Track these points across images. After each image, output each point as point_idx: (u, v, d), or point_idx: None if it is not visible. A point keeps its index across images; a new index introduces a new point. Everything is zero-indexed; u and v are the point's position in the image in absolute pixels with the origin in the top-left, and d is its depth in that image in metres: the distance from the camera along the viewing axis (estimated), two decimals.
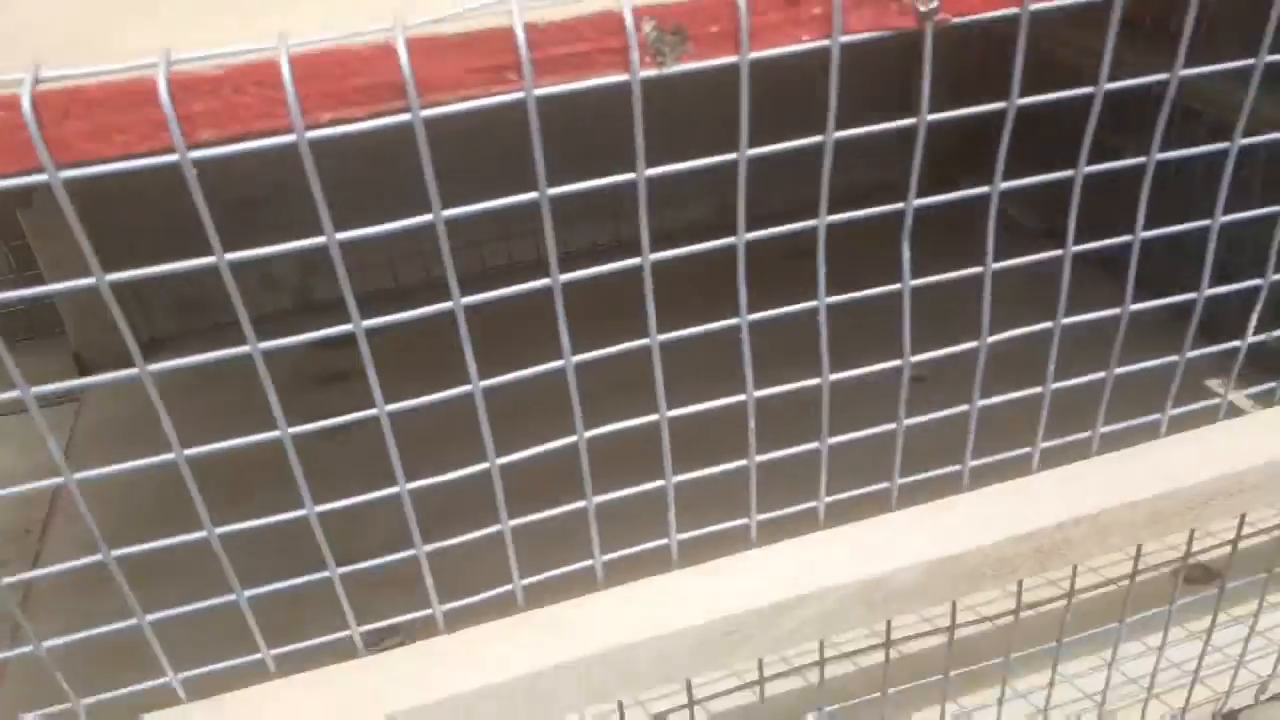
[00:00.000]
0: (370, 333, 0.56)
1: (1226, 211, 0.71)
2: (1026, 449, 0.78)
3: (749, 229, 0.61)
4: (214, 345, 0.54)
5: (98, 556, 0.60)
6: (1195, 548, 0.91)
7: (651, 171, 0.56)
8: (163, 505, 0.64)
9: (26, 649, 0.62)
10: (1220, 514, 0.79)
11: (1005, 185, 0.65)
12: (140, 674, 0.64)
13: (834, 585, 0.71)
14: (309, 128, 0.49)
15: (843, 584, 0.71)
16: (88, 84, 0.46)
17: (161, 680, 0.65)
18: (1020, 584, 0.83)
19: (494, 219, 0.64)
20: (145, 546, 0.60)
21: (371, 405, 0.60)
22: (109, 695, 0.64)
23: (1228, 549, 0.94)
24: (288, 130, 0.49)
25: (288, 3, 0.55)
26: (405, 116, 0.50)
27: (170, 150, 0.48)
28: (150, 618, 0.63)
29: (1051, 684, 0.97)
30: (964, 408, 0.74)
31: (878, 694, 0.89)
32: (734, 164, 0.58)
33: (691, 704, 0.84)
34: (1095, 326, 0.73)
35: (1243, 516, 0.86)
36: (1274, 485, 0.79)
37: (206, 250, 0.51)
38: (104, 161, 0.48)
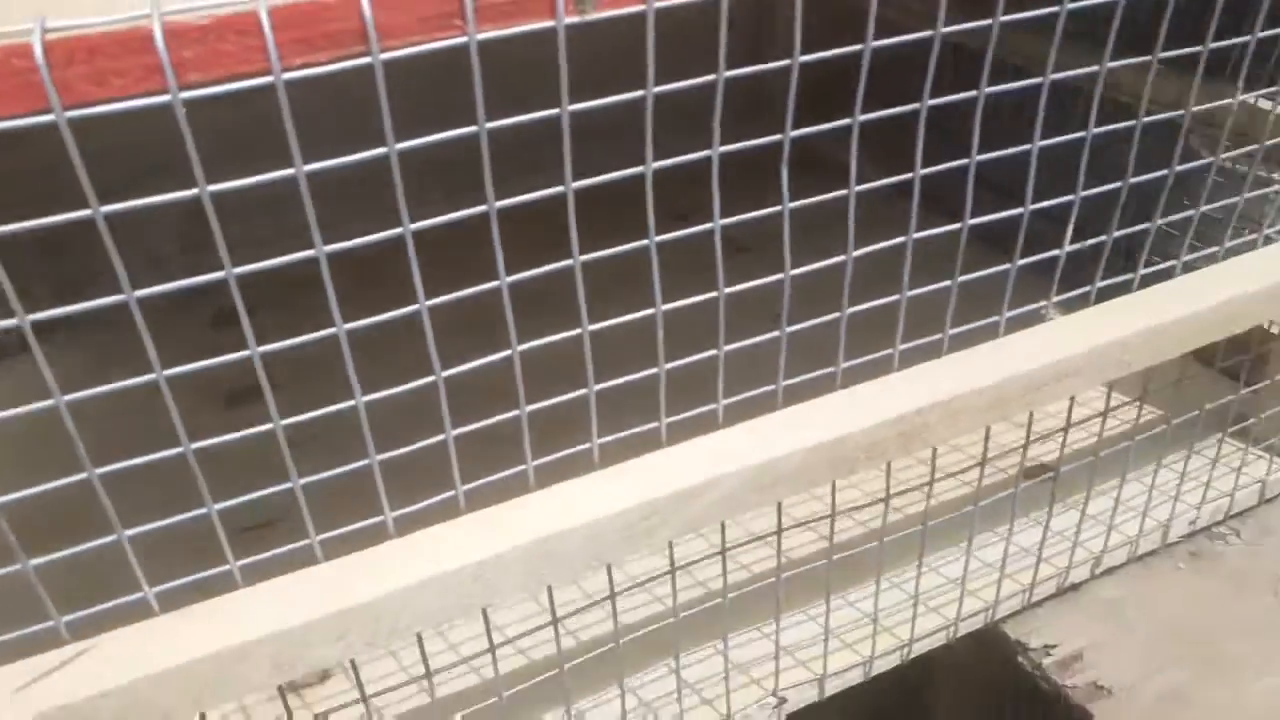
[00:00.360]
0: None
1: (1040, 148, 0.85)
2: (888, 350, 0.90)
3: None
4: (104, 332, 0.61)
5: None
6: (1032, 447, 1.05)
7: (574, 107, 0.66)
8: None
9: None
10: (1051, 397, 0.93)
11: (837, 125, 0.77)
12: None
13: (731, 472, 0.82)
14: (284, 70, 0.57)
15: (738, 470, 0.82)
16: (90, 33, 0.52)
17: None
18: (889, 469, 0.96)
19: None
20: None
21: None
22: None
23: (1061, 452, 1.09)
24: (266, 73, 0.56)
25: None
26: (366, 59, 0.58)
27: (163, 92, 0.55)
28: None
29: (919, 571, 1.11)
30: (835, 315, 0.86)
31: (771, 579, 1.00)
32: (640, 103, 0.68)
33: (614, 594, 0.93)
34: (943, 250, 0.86)
35: (1071, 401, 1.00)
36: (1093, 369, 0.93)
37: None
38: (103, 102, 0.54)
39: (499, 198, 0.67)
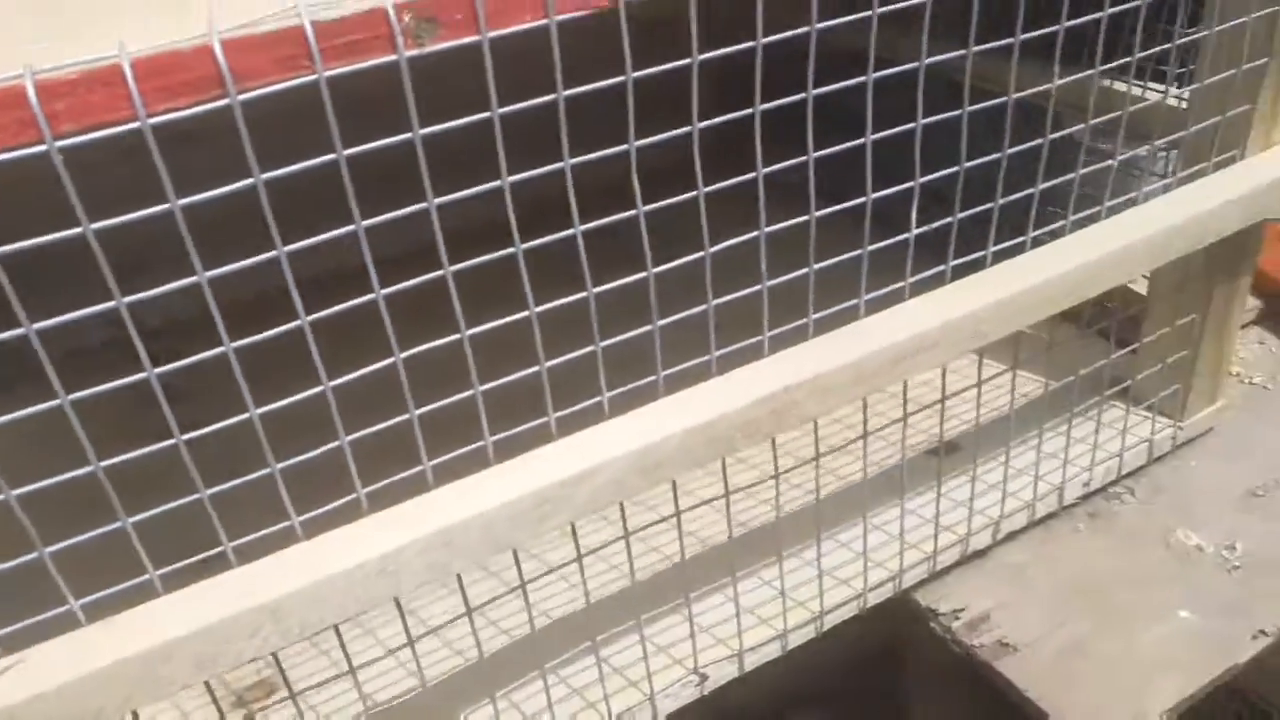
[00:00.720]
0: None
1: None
2: (758, 338, 0.98)
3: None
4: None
5: None
6: (925, 420, 1.13)
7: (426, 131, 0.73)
8: None
9: None
10: (914, 369, 1.01)
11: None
12: None
13: (616, 457, 0.89)
14: (149, 116, 0.64)
15: (622, 455, 0.89)
16: None
17: None
18: (774, 445, 1.03)
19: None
20: None
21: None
22: None
23: (965, 426, 1.17)
24: (133, 119, 0.63)
25: (111, 13, 0.69)
26: (225, 101, 0.66)
27: (39, 143, 0.62)
28: None
29: (818, 544, 1.18)
30: (702, 308, 0.93)
31: (677, 560, 1.07)
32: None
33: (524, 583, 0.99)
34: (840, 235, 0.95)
35: (944, 371, 1.08)
36: (949, 342, 1.01)
37: None
38: None
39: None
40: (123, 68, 0.62)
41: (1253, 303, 1.66)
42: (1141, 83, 1.29)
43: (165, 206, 0.67)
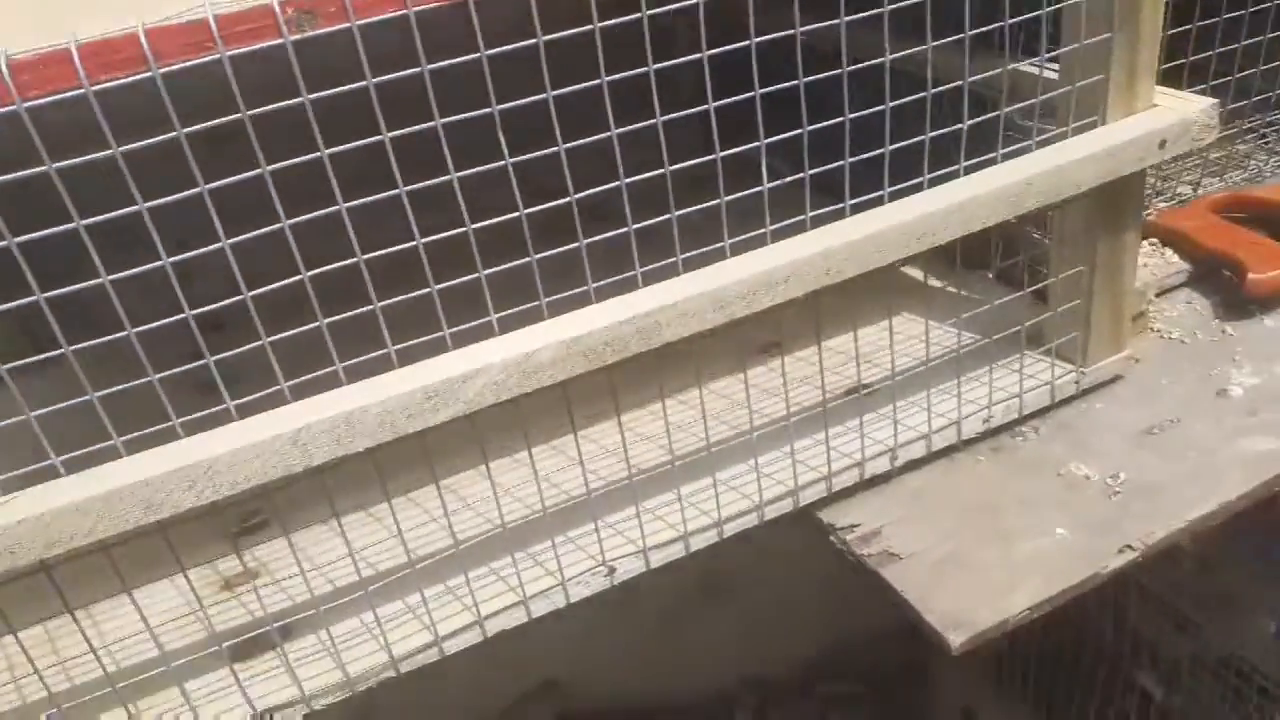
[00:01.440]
0: None
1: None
2: (631, 273, 1.17)
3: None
4: None
5: None
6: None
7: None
8: None
9: None
10: (767, 300, 1.18)
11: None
12: None
13: (497, 362, 1.10)
14: (93, 84, 0.87)
15: (501, 361, 1.10)
16: None
17: None
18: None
19: None
20: None
21: None
22: None
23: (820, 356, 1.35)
24: (79, 88, 0.87)
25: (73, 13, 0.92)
26: (149, 73, 0.89)
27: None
28: None
29: (715, 487, 1.37)
30: (574, 245, 1.13)
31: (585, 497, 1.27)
32: None
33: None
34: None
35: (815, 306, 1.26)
36: (799, 277, 1.19)
37: None
38: None
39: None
40: (72, 51, 0.86)
41: (1183, 266, 1.77)
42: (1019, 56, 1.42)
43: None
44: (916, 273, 1.58)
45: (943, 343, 1.49)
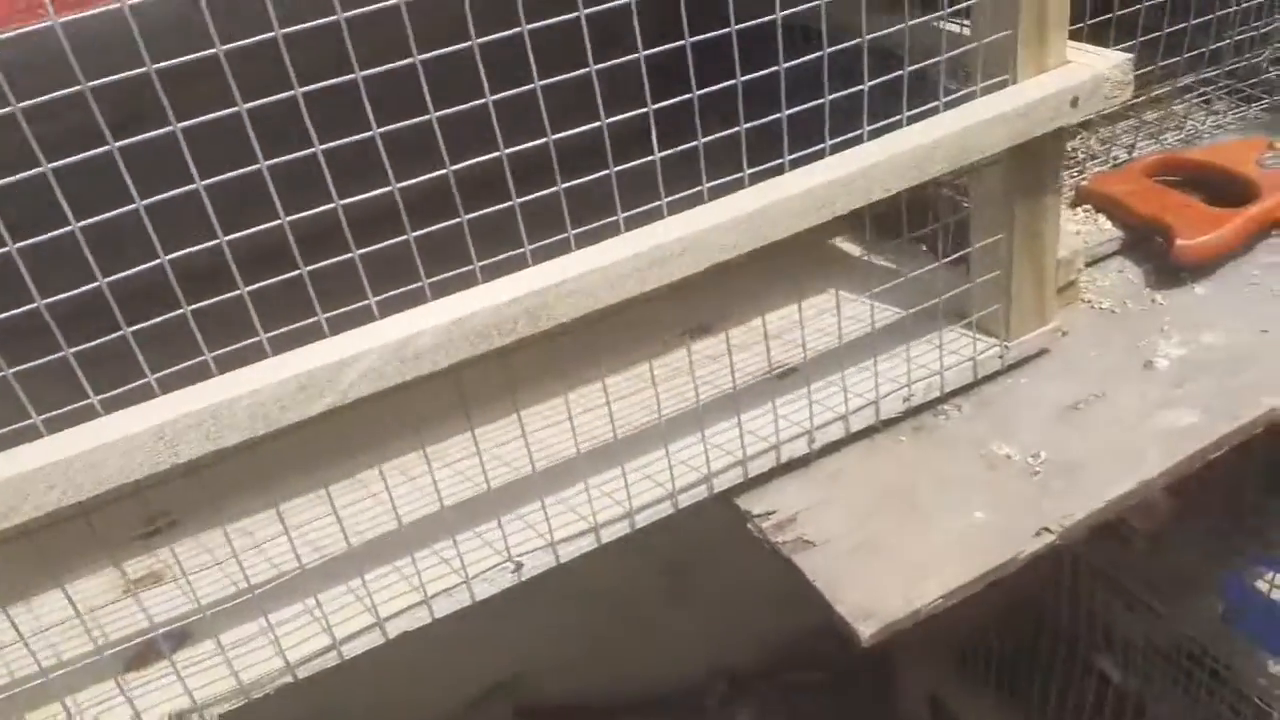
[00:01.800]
0: None
1: None
2: (523, 249, 1.13)
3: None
4: None
5: None
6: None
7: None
8: None
9: None
10: (661, 278, 1.14)
11: None
12: None
13: (376, 348, 1.05)
14: None
15: (379, 346, 1.05)
16: None
17: None
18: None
19: None
20: None
21: None
22: None
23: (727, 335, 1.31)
24: None
25: None
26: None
27: None
28: None
29: (667, 459, 1.33)
30: (455, 221, 1.09)
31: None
32: None
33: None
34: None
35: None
36: (692, 254, 1.14)
37: None
38: None
39: None
40: None
41: (1115, 233, 1.73)
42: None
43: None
44: (852, 247, 1.55)
45: (860, 317, 1.45)
